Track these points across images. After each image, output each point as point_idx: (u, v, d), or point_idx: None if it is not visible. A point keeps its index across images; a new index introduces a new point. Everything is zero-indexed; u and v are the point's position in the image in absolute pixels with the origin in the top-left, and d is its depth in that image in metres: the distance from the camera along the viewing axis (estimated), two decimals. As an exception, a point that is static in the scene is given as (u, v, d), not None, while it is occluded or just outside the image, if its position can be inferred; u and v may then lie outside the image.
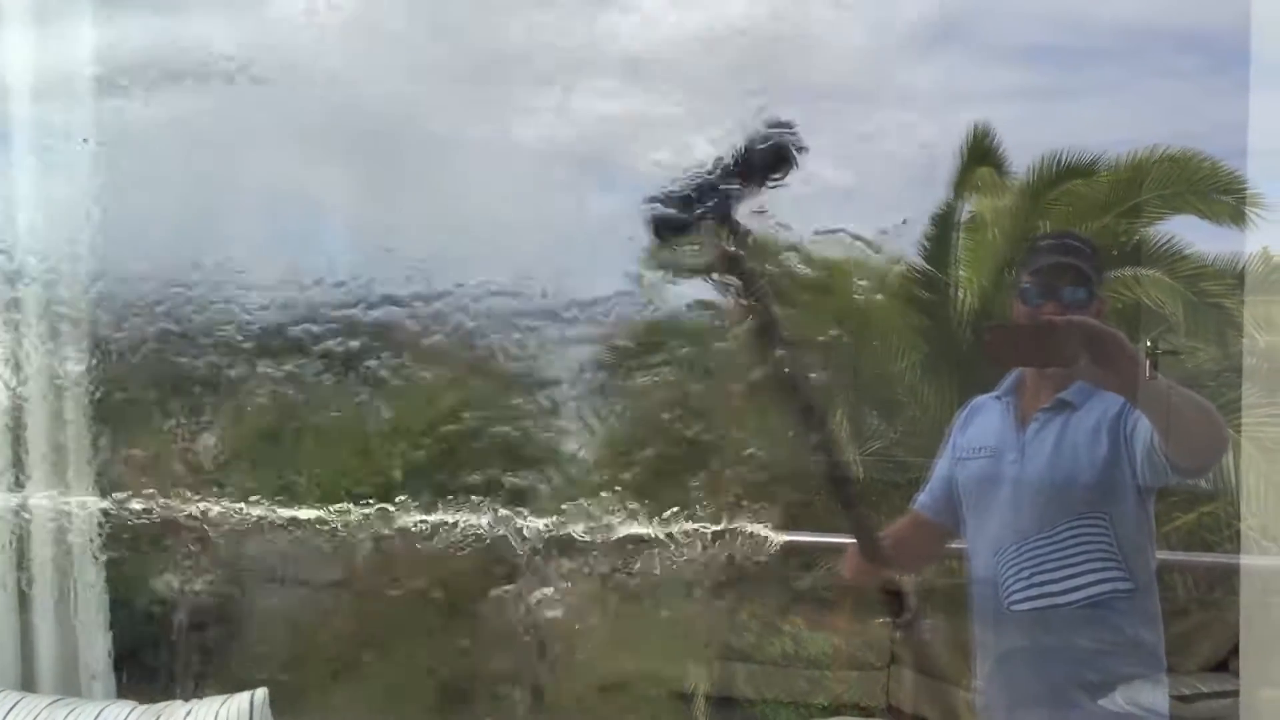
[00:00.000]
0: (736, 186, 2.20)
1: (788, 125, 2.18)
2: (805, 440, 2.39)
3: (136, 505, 2.91)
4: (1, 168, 2.70)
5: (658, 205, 2.23)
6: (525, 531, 3.65)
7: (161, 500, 3.07)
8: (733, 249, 2.21)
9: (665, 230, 2.28)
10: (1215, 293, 5.91)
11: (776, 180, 2.20)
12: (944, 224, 6.63)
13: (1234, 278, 5.96)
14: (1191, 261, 6.11)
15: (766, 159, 2.19)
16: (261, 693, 2.25)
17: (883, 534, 2.40)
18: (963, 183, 6.61)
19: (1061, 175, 6.44)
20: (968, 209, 6.69)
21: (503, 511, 3.47)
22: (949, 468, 2.38)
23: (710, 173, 2.21)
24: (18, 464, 2.65)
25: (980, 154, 6.59)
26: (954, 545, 2.41)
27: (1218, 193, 5.99)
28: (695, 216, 2.23)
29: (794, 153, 2.19)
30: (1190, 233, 6.12)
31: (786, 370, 2.31)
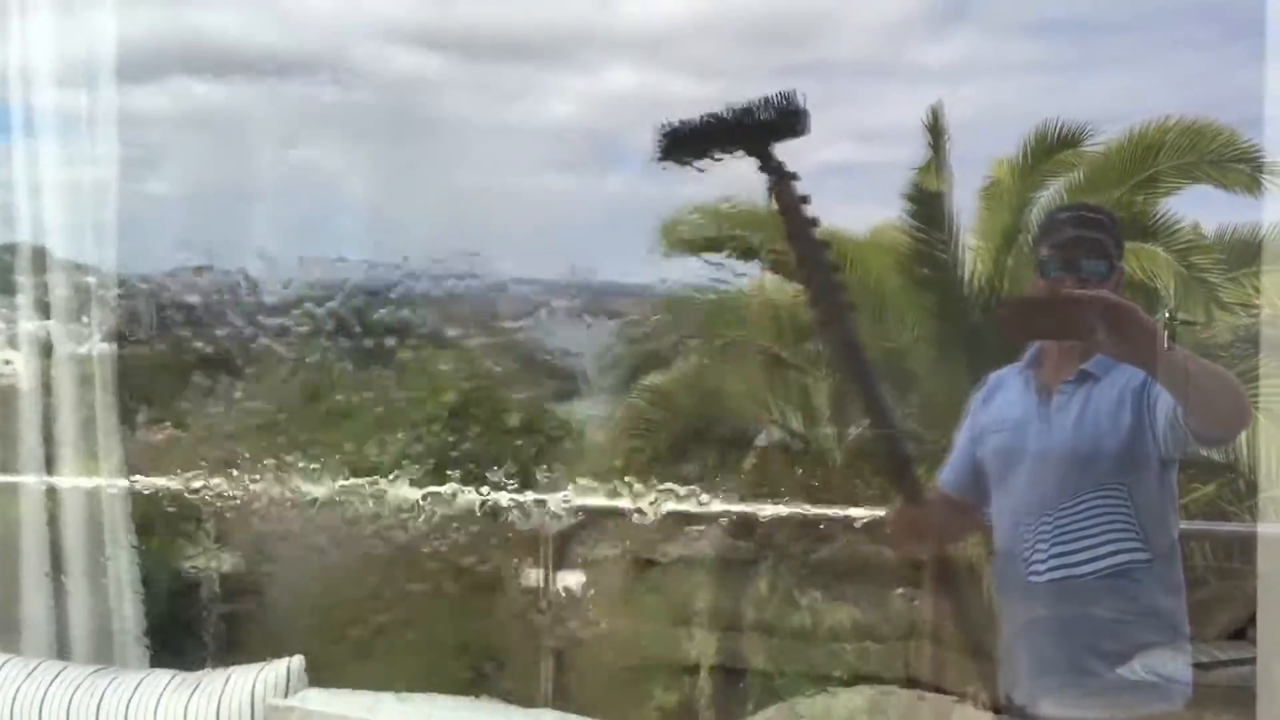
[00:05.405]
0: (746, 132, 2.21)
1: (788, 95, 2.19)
2: (862, 406, 2.38)
3: (167, 484, 2.96)
4: (27, 153, 2.73)
5: (673, 126, 2.24)
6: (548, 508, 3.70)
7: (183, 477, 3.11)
8: (779, 183, 2.20)
9: (675, 149, 2.28)
10: (1203, 266, 5.88)
11: (778, 140, 2.20)
12: (948, 196, 6.58)
13: (1223, 251, 5.92)
14: (1184, 235, 6.07)
15: (772, 118, 2.20)
16: (298, 660, 2.26)
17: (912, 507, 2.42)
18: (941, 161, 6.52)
19: (1066, 144, 6.38)
20: (975, 181, 6.65)
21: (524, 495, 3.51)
22: (971, 444, 2.40)
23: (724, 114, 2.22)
24: (49, 443, 2.68)
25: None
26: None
27: (1233, 161, 5.94)
28: (713, 144, 2.23)
29: (800, 117, 2.19)
30: (1205, 204, 6.08)
31: (844, 333, 2.31)
